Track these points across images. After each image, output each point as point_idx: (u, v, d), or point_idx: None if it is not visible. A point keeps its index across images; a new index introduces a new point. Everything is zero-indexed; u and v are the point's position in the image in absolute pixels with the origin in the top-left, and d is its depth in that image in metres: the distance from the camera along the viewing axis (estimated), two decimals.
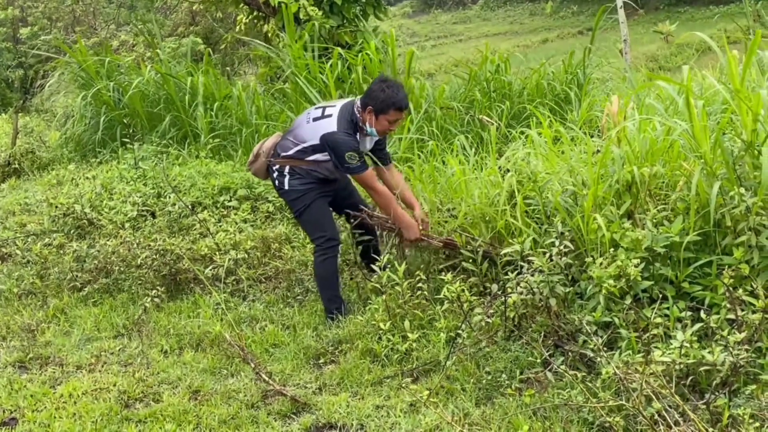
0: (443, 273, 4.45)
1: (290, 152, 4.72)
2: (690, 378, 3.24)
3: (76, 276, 5.50)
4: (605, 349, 3.42)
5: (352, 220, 4.94)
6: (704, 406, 3.07)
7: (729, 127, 4.15)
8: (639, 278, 3.65)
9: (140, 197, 6.75)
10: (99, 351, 4.55)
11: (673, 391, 3.02)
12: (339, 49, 8.67)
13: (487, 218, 4.69)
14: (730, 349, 3.10)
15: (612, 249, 3.85)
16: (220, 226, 6.09)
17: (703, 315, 3.35)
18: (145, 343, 4.62)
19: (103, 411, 3.78)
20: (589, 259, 3.88)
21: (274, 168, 4.78)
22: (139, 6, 17.04)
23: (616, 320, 3.65)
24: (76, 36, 14.18)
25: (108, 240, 5.76)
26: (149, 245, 5.47)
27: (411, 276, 4.47)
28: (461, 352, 3.96)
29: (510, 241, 4.36)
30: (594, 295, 3.77)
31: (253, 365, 3.96)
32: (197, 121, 8.44)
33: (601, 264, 3.76)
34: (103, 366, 4.38)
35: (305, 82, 8.09)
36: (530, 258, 3.95)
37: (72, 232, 6.33)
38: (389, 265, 4.48)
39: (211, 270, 5.35)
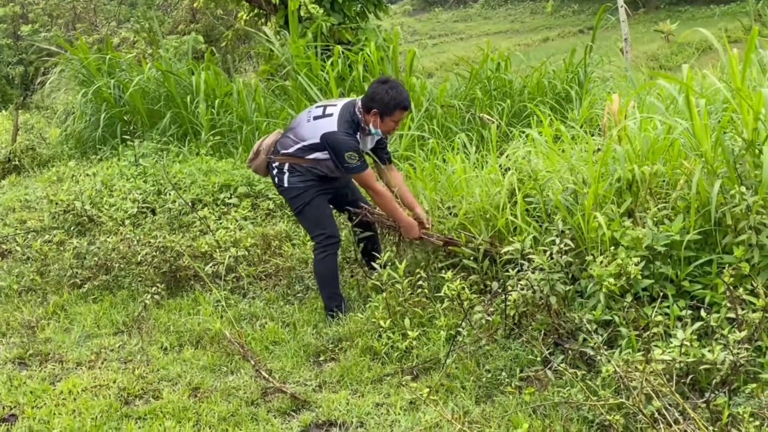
0: (443, 271, 4.45)
1: (290, 150, 4.71)
2: (690, 377, 3.24)
3: (76, 273, 5.50)
4: (605, 347, 3.42)
5: (353, 218, 4.94)
6: (704, 405, 3.07)
7: (730, 126, 4.14)
8: (639, 277, 3.65)
9: (140, 194, 6.75)
10: (99, 348, 4.55)
11: (673, 390, 3.02)
12: (340, 47, 8.67)
13: (487, 216, 4.69)
14: (730, 347, 3.10)
15: (612, 247, 3.85)
16: (221, 224, 6.09)
17: (703, 314, 3.36)
18: (145, 340, 4.62)
19: (102, 408, 3.78)
20: (589, 258, 3.88)
21: (273, 165, 4.78)
22: (139, 3, 17.02)
23: (617, 319, 3.64)
24: (77, 33, 14.18)
25: (108, 237, 5.76)
26: (149, 242, 5.47)
27: (411, 274, 4.47)
28: (461, 350, 3.96)
29: (510, 239, 4.36)
30: (594, 293, 3.77)
31: (253, 362, 3.96)
32: (198, 118, 8.44)
33: (601, 262, 3.76)
34: (102, 363, 4.38)
35: (306, 80, 8.08)
36: (531, 256, 3.95)
37: (72, 228, 6.33)
38: (389, 263, 4.48)
39: (211, 267, 5.35)
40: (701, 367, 3.18)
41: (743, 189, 3.57)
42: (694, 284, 3.71)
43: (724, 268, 3.57)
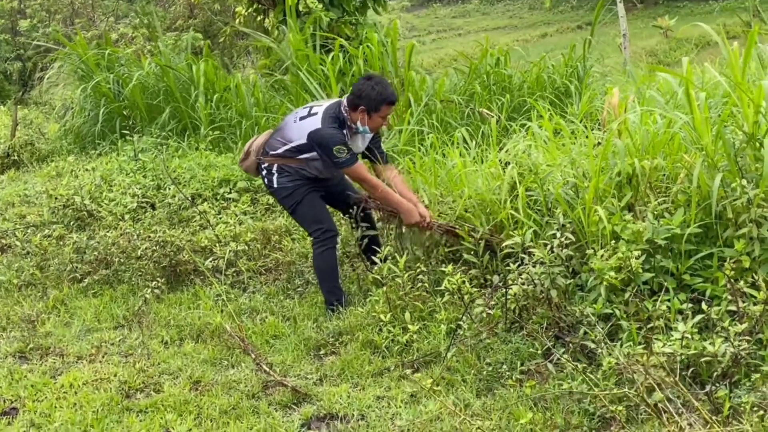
0: (443, 264, 4.45)
1: (278, 151, 4.71)
2: (691, 369, 3.24)
3: (76, 267, 5.49)
4: (606, 340, 3.42)
5: (352, 210, 4.92)
6: (705, 397, 3.08)
7: (730, 120, 4.15)
8: (640, 270, 3.65)
9: (140, 189, 6.75)
10: (99, 342, 4.55)
11: (677, 380, 3.03)
12: (341, 40, 8.67)
13: (488, 210, 4.69)
14: (731, 340, 3.10)
15: (613, 241, 3.85)
16: (220, 218, 6.09)
17: (704, 307, 3.36)
18: (146, 334, 4.62)
19: (103, 401, 3.78)
20: (590, 251, 3.89)
21: (263, 166, 4.78)
22: None
23: (617, 312, 3.65)
24: (75, 29, 14.16)
25: (108, 231, 5.76)
26: (149, 237, 5.47)
27: (411, 268, 4.47)
28: (462, 343, 3.96)
29: (511, 233, 4.36)
30: (595, 286, 3.77)
31: (253, 356, 3.97)
32: (197, 113, 8.44)
33: (602, 256, 3.77)
34: (103, 356, 4.38)
35: (306, 75, 8.08)
36: (531, 250, 3.96)
37: (72, 223, 6.33)
38: (390, 257, 4.48)
39: (211, 262, 5.35)
40: (702, 360, 3.19)
41: (744, 182, 3.57)
42: (694, 277, 3.72)
43: (724, 261, 3.58)
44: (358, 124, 4.64)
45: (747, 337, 3.19)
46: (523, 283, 3.87)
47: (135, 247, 5.43)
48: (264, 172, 4.79)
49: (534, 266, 3.88)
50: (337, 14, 10.07)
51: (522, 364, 3.73)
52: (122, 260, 5.45)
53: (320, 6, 9.63)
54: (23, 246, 5.99)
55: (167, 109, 8.59)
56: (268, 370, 3.91)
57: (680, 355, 3.17)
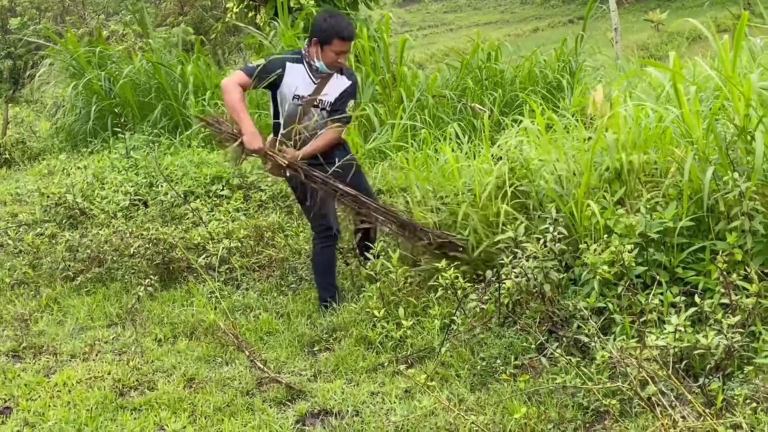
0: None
1: None
2: (684, 362, 3.25)
3: (69, 266, 5.48)
4: (599, 334, 3.43)
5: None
6: (699, 390, 3.09)
7: (721, 113, 4.16)
8: (633, 264, 3.66)
9: (132, 187, 6.73)
10: (93, 340, 4.53)
11: (670, 374, 3.04)
12: None
13: (480, 205, 4.69)
14: (724, 332, 3.12)
15: (606, 235, 3.86)
16: (213, 215, 6.08)
17: (697, 299, 3.37)
18: (139, 331, 4.61)
19: (97, 399, 3.77)
20: (582, 246, 3.89)
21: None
22: None
23: (610, 306, 3.66)
24: (66, 26, 14.10)
25: (100, 229, 5.74)
26: (142, 234, 5.46)
27: (405, 263, 4.47)
28: (455, 338, 3.97)
29: (504, 228, 4.36)
30: (588, 280, 3.78)
31: (247, 353, 3.96)
32: (189, 110, 8.41)
33: (595, 250, 3.77)
34: (97, 355, 4.37)
35: None
36: (524, 245, 3.96)
37: (64, 221, 6.31)
38: (383, 253, 4.48)
39: (204, 259, 5.34)
40: (695, 353, 3.20)
41: (736, 175, 3.58)
42: (687, 270, 3.73)
43: (717, 254, 3.59)
44: (315, 59, 4.57)
45: (740, 330, 3.20)
46: (516, 278, 3.87)
47: (128, 245, 5.42)
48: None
49: (527, 260, 3.89)
50: (328, 10, 10.05)
51: (516, 359, 3.74)
52: (115, 258, 5.43)
53: (311, 2, 9.61)
54: (15, 245, 5.97)
55: (159, 106, 8.57)
56: (262, 366, 3.91)
57: (673, 348, 3.18)
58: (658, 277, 3.70)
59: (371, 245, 4.62)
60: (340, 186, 4.50)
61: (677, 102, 4.00)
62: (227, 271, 5.31)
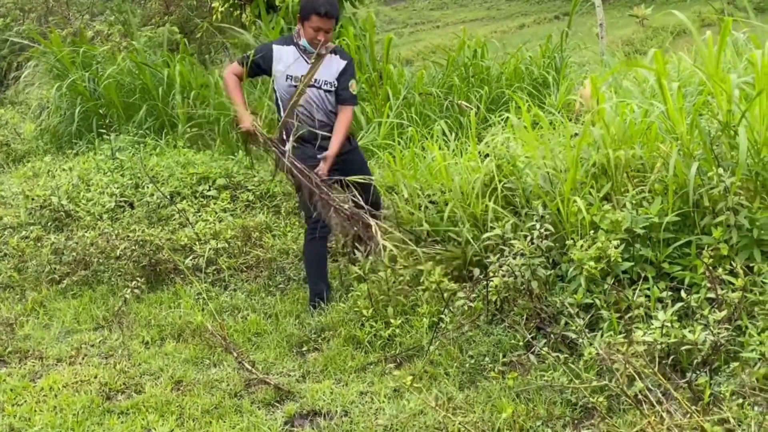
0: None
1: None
2: (671, 357, 3.26)
3: (55, 268, 5.44)
4: (587, 330, 3.44)
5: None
6: (686, 385, 3.10)
7: (705, 109, 4.17)
8: (619, 259, 3.67)
9: (118, 188, 6.68)
10: (79, 343, 4.50)
11: (656, 371, 3.04)
12: None
13: (468, 202, 4.69)
14: (711, 327, 3.12)
15: (592, 231, 3.86)
16: (200, 216, 6.05)
17: (683, 294, 3.38)
18: (126, 334, 4.58)
19: (84, 403, 3.75)
20: (569, 242, 3.90)
21: None
22: None
23: (597, 302, 3.66)
24: (50, 27, 14.01)
25: (86, 232, 5.69)
26: (128, 236, 5.42)
27: (394, 262, 4.46)
28: (444, 336, 3.96)
29: (492, 225, 4.36)
30: (575, 277, 3.79)
31: (235, 354, 3.95)
32: (174, 111, 8.37)
33: (581, 246, 3.78)
34: (83, 358, 4.34)
35: None
36: (512, 242, 3.96)
37: (49, 224, 6.26)
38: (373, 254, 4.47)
39: (191, 260, 5.31)
40: (682, 348, 3.21)
41: (720, 170, 3.59)
42: (673, 266, 3.74)
43: (703, 249, 3.60)
44: (301, 39, 4.64)
45: (726, 325, 3.21)
46: (503, 275, 3.87)
47: (114, 247, 5.39)
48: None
49: (514, 258, 3.89)
50: None
51: (504, 356, 3.74)
52: (101, 260, 5.40)
53: (296, 0, 9.56)
54: (0, 248, 5.92)
55: (144, 106, 8.51)
56: (250, 368, 3.90)
57: (660, 343, 3.19)
58: (644, 273, 3.70)
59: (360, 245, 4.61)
60: (313, 174, 4.50)
61: (662, 98, 4.00)
62: (214, 272, 5.29)
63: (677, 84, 4.00)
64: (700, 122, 3.90)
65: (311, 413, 3.59)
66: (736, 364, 3.13)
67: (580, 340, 3.44)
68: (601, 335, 3.45)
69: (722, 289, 3.37)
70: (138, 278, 4.96)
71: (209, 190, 6.58)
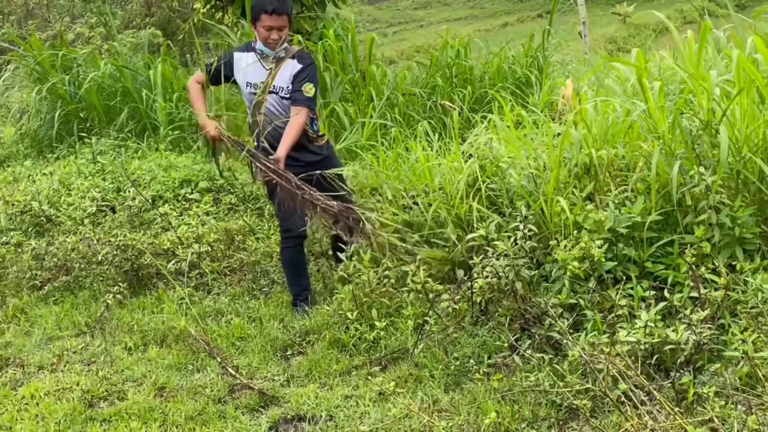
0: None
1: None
2: (655, 357, 3.27)
3: (36, 274, 5.38)
4: (571, 330, 3.44)
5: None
6: (669, 385, 3.10)
7: (687, 107, 4.18)
8: (603, 259, 3.67)
9: (99, 192, 6.62)
10: (61, 350, 4.46)
11: (638, 372, 3.04)
12: (299, 36, 8.58)
13: (452, 203, 4.68)
14: (694, 327, 3.13)
15: (575, 231, 3.86)
16: (182, 220, 6.00)
17: (666, 294, 3.38)
18: (108, 340, 4.54)
19: (66, 411, 3.71)
20: (553, 242, 3.89)
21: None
22: None
23: (581, 302, 3.66)
24: (30, 29, 13.90)
25: (67, 237, 5.64)
26: (110, 241, 5.37)
27: (378, 264, 4.45)
28: (429, 338, 3.95)
29: (476, 225, 4.35)
30: (559, 277, 3.79)
31: (219, 360, 3.92)
32: (156, 113, 8.31)
33: (565, 246, 3.77)
34: (65, 365, 4.29)
35: None
36: (495, 243, 3.95)
37: (30, 229, 6.20)
38: (355, 255, 4.45)
39: (174, 264, 5.27)
40: (666, 348, 3.21)
41: (702, 169, 3.60)
42: (656, 265, 3.74)
43: (685, 248, 3.61)
44: (258, 42, 4.60)
45: (709, 324, 3.22)
46: (487, 276, 3.87)
47: (95, 252, 5.34)
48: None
49: (498, 259, 3.88)
50: (296, 9, 9.97)
51: (489, 358, 3.73)
52: (83, 266, 5.35)
53: None
54: None
55: (125, 109, 8.45)
56: (234, 373, 3.87)
57: (644, 343, 3.19)
58: (628, 272, 3.71)
59: (344, 247, 4.59)
60: (292, 177, 4.44)
61: (643, 97, 4.01)
62: (197, 276, 5.25)
63: (659, 83, 4.01)
64: (682, 121, 3.91)
65: (296, 418, 3.57)
66: (719, 364, 3.14)
67: (565, 341, 3.43)
68: (585, 335, 3.45)
69: (705, 288, 3.38)
70: (120, 283, 4.93)
71: (192, 193, 6.53)
